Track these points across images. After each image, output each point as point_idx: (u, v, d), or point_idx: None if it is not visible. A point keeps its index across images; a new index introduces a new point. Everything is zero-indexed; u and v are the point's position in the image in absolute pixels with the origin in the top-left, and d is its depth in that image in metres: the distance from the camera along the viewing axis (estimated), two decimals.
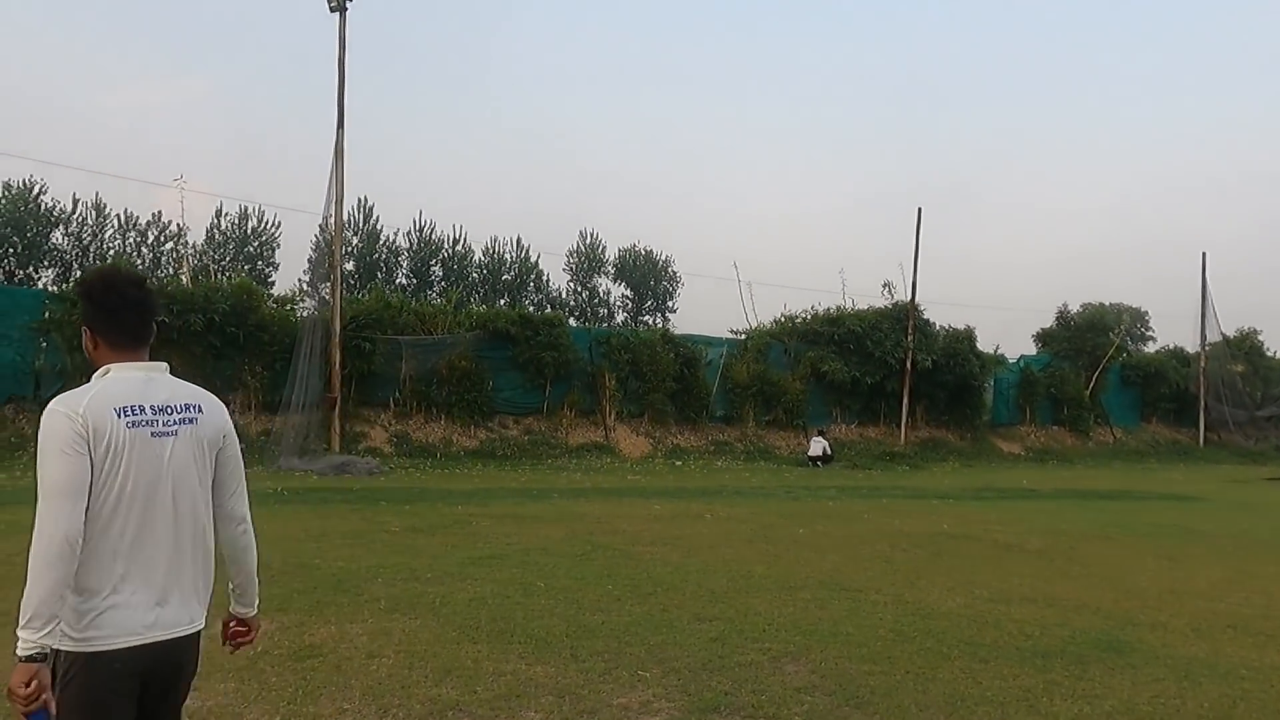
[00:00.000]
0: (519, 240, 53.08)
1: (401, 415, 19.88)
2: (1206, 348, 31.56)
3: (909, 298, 25.90)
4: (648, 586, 7.73)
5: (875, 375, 24.58)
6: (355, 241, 48.91)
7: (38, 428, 2.28)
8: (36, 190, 42.45)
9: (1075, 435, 28.53)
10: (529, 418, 21.31)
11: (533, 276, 54.48)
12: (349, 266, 47.24)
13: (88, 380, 2.39)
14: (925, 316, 25.91)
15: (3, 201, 41.04)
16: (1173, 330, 61.71)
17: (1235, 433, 31.55)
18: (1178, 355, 32.29)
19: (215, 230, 45.01)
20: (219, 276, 19.42)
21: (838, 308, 26.13)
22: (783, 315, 25.96)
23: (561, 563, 8.65)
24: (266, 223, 47.83)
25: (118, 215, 45.12)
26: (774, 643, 6.13)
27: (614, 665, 5.52)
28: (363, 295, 21.54)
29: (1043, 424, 28.51)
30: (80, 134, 54.85)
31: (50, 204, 42.92)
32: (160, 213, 45.52)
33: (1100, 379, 29.24)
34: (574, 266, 55.66)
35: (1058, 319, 30.61)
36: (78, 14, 59.91)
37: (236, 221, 45.84)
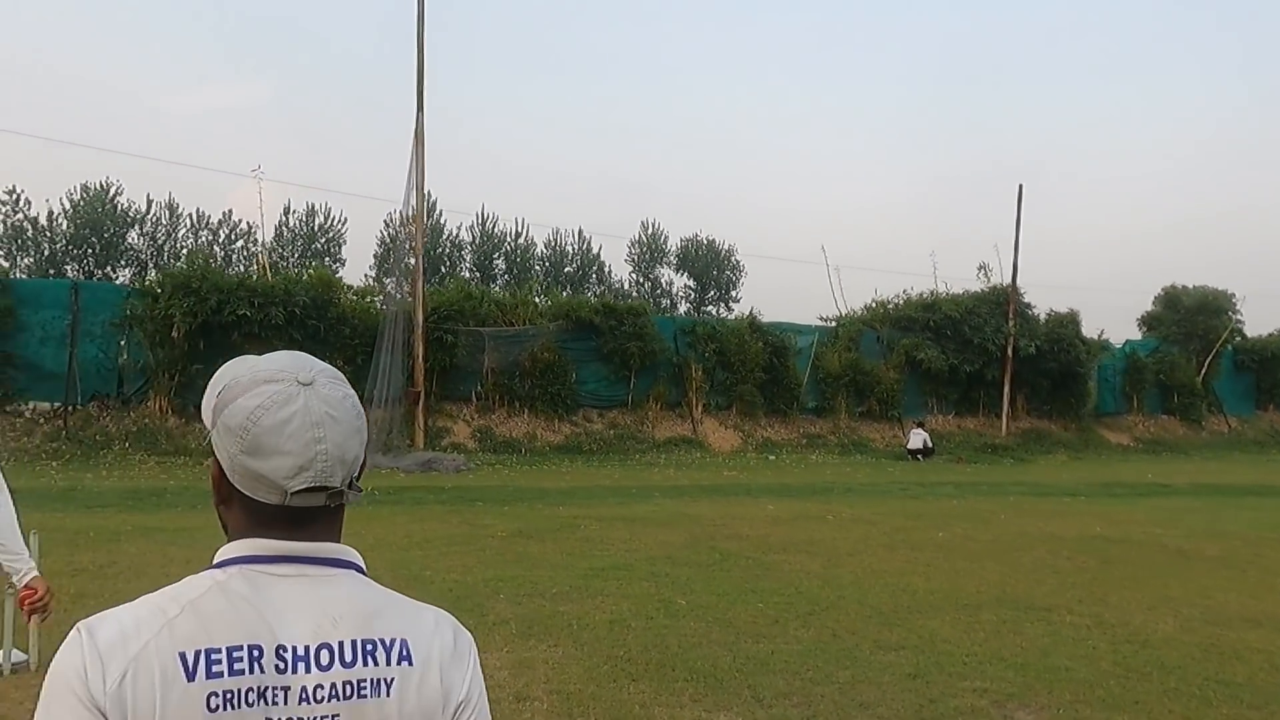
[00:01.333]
0: (580, 231, 52.63)
1: (484, 410, 19.20)
2: None
3: (1006, 280, 24.44)
4: (802, 604, 6.79)
5: (974, 363, 23.19)
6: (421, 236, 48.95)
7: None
8: (112, 191, 43.05)
9: (1187, 425, 26.73)
10: (613, 411, 20.47)
11: (594, 268, 53.96)
12: (412, 262, 47.28)
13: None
14: (1025, 300, 24.43)
15: (80, 203, 41.76)
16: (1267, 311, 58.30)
17: None
18: None
19: (284, 228, 45.29)
20: (292, 270, 18.92)
21: (931, 292, 24.77)
22: (874, 301, 24.70)
23: (694, 574, 7.75)
24: (333, 219, 47.99)
25: (190, 214, 45.63)
26: (985, 681, 5.15)
27: (811, 713, 4.60)
28: (436, 287, 20.83)
29: (1150, 413, 26.76)
30: (149, 135, 55.62)
31: (125, 204, 43.54)
32: (230, 211, 45.83)
33: (1213, 365, 27.38)
34: (636, 257, 54.96)
35: (1164, 301, 28.72)
36: (144, 13, 60.82)
37: (304, 218, 46.10)
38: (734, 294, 54.15)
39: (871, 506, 12.37)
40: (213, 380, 1.11)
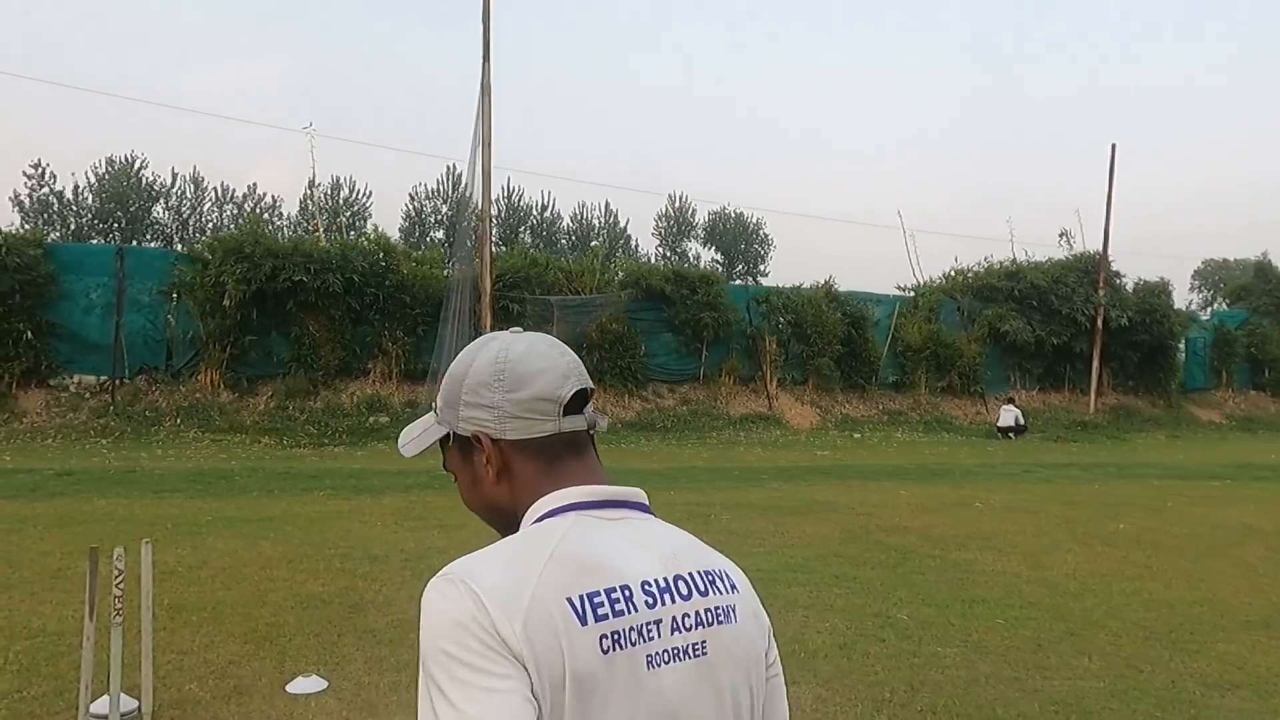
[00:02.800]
0: (607, 205, 51.33)
1: None
2: None
3: (1093, 247, 22.97)
4: (1047, 620, 5.54)
5: (1062, 335, 21.75)
6: (445, 210, 47.65)
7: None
8: (138, 165, 41.98)
9: (1278, 401, 25.24)
10: (684, 386, 19.21)
11: (621, 242, 52.58)
12: (439, 235, 45.96)
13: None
14: (1114, 268, 22.91)
15: (105, 176, 40.73)
16: None
17: None
18: None
19: (308, 201, 43.80)
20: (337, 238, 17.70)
21: (1013, 260, 23.26)
22: (953, 269, 23.20)
23: (885, 578, 6.50)
24: (357, 192, 46.80)
25: (214, 188, 44.58)
26: None
27: None
28: (502, 252, 19.45)
29: (1240, 388, 25.28)
30: (174, 113, 54.54)
31: (151, 178, 42.48)
32: (255, 184, 44.63)
33: None
34: (663, 231, 53.55)
35: (1256, 271, 27.11)
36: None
37: (329, 192, 44.90)
38: (762, 268, 52.88)
39: (1012, 493, 11.07)
40: (443, 387, 1.11)
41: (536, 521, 1.04)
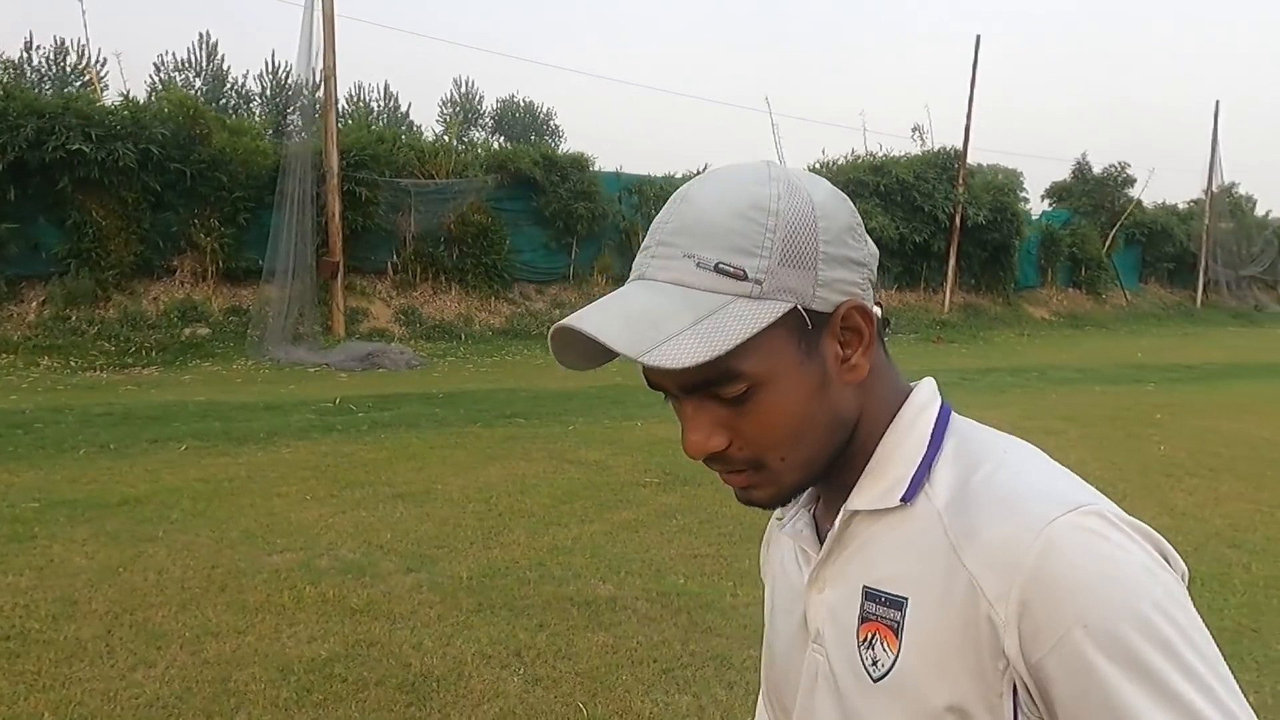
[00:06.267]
0: (387, 87, 46.98)
1: (403, 285, 15.27)
2: (1208, 201, 30.08)
3: (951, 144, 22.61)
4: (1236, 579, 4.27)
5: (922, 233, 21.42)
6: (199, 84, 41.41)
7: None
8: None
9: (1092, 298, 26.62)
10: (553, 286, 17.08)
11: (404, 128, 48.44)
12: (318, 81, 39.93)
13: None
14: (974, 163, 22.76)
15: None
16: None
17: (1227, 294, 30.66)
18: (1175, 212, 30.76)
19: (25, 65, 35.56)
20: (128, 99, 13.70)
21: (872, 155, 22.53)
22: (819, 161, 22.18)
23: None
24: (88, 58, 39.64)
25: None
26: None
27: None
28: (346, 124, 15.95)
29: (1061, 286, 26.40)
30: None
31: None
32: None
33: (1115, 238, 27.25)
34: (448, 118, 49.83)
35: (1074, 172, 28.16)
36: None
37: (51, 57, 37.48)
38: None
39: (986, 407, 10.03)
40: (770, 235, 0.72)
41: (939, 422, 0.80)
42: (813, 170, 22.10)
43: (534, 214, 16.45)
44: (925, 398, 0.82)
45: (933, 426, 0.80)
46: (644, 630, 3.70)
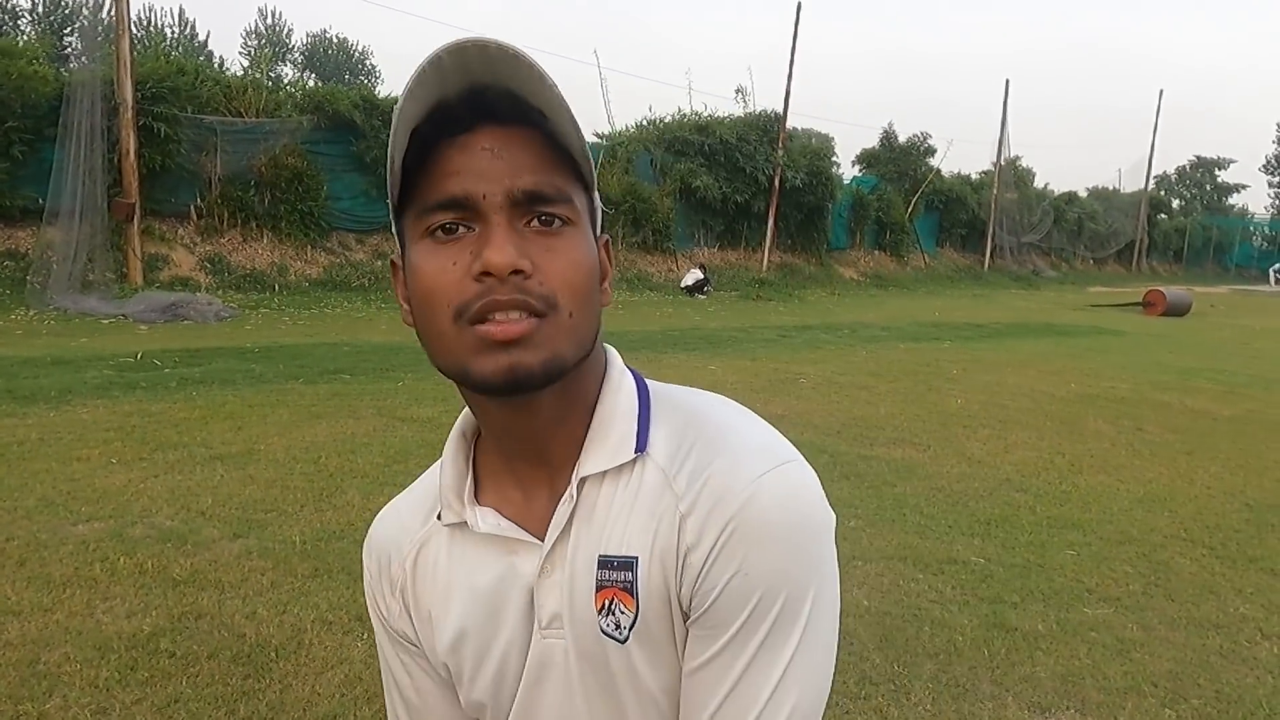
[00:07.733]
0: (182, 13, 43.61)
1: (209, 231, 14.22)
2: (996, 172, 32.62)
3: (773, 105, 23.33)
4: (1080, 539, 4.82)
5: (744, 193, 22.05)
6: None
7: None
8: None
9: (896, 260, 28.40)
10: (374, 236, 16.40)
11: (203, 59, 44.99)
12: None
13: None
14: (793, 127, 23.57)
15: None
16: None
17: (1010, 259, 33.48)
18: (969, 182, 33.17)
19: None
20: None
21: (698, 114, 22.89)
22: (645, 119, 22.30)
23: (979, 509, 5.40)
24: None
25: None
26: None
27: None
28: (141, 53, 14.33)
29: (869, 249, 27.99)
30: None
31: None
32: None
33: (916, 204, 29.12)
34: (254, 52, 46.68)
35: (882, 140, 29.75)
36: None
37: None
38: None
39: (804, 363, 10.59)
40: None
41: (637, 380, 0.87)
42: (640, 127, 22.35)
43: (354, 159, 15.70)
44: (618, 358, 0.86)
45: (636, 385, 0.85)
46: None
